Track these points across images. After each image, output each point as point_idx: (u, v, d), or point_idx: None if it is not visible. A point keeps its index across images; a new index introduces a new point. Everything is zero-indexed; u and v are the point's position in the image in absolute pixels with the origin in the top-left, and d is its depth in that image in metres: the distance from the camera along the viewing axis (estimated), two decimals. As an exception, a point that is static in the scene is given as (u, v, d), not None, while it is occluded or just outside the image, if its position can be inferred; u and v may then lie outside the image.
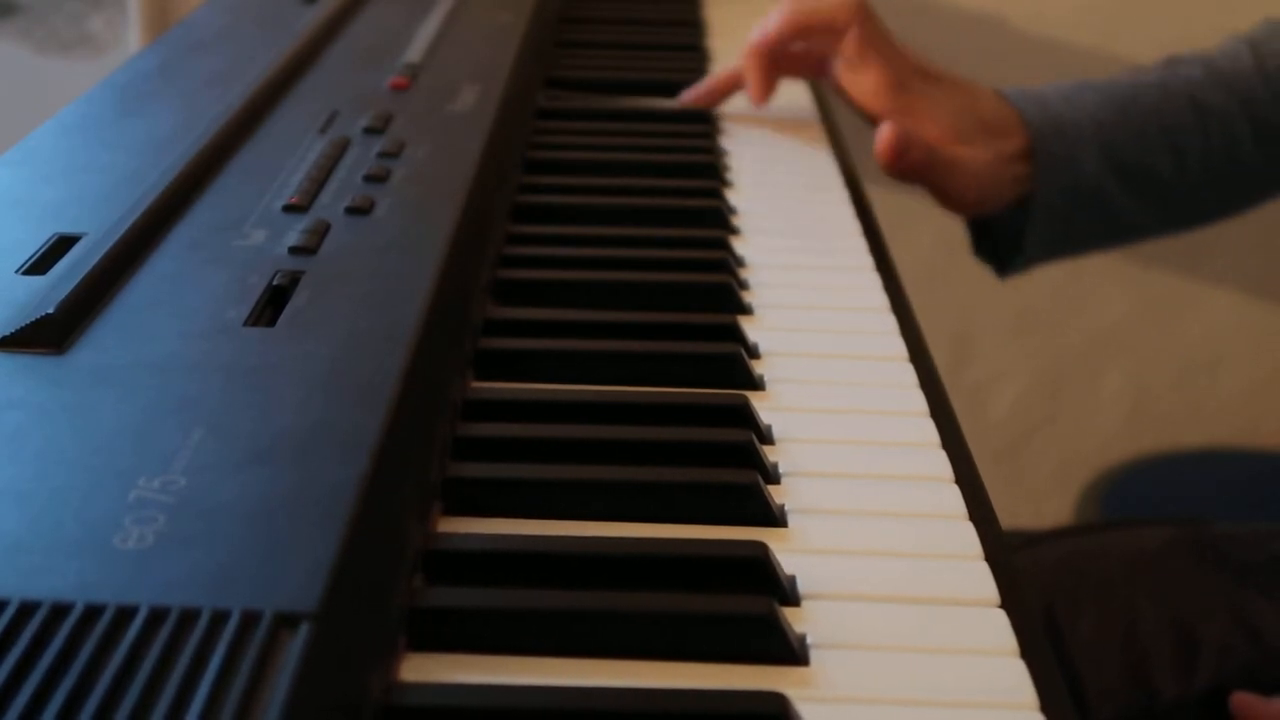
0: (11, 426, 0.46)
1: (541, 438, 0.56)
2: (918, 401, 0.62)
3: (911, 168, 0.88)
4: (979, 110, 0.92)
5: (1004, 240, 0.98)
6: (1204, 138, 0.95)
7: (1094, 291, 1.80)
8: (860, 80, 0.90)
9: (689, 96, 0.97)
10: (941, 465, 0.57)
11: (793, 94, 1.01)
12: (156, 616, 0.37)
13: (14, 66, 1.65)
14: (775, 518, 0.53)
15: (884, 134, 0.87)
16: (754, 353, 0.65)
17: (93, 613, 0.37)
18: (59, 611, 0.37)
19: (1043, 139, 0.92)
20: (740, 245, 0.77)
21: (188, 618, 0.37)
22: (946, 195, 0.92)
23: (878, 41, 0.90)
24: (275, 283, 0.58)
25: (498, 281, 0.69)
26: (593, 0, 1.27)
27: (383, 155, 0.73)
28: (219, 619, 0.37)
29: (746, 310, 0.69)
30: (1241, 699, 0.83)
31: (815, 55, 0.94)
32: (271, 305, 0.56)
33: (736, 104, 0.97)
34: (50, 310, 0.52)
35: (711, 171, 0.87)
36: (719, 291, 0.70)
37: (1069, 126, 0.93)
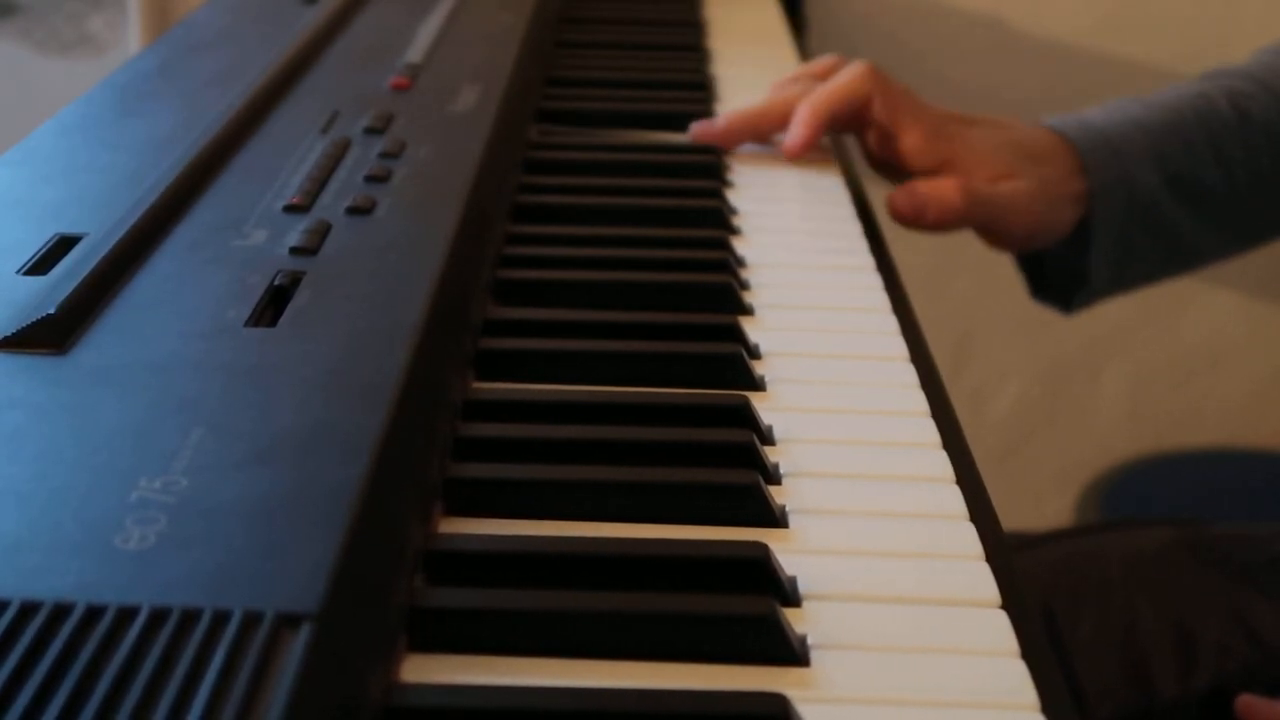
0: (12, 426, 0.46)
1: (541, 438, 0.56)
2: (918, 402, 0.62)
3: (945, 220, 0.85)
4: (1018, 140, 0.89)
5: (1064, 273, 0.94)
6: (1248, 147, 0.93)
7: (1094, 292, 1.80)
8: (898, 144, 0.87)
9: (701, 132, 0.90)
10: (942, 465, 0.57)
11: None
12: (158, 617, 0.37)
13: (14, 66, 1.65)
14: (776, 518, 0.53)
15: (892, 203, 0.84)
16: (755, 353, 0.65)
17: (94, 613, 0.37)
18: (60, 612, 0.37)
19: (1093, 154, 0.90)
20: (741, 245, 0.77)
21: (189, 618, 0.37)
22: (995, 234, 0.89)
23: (903, 101, 0.87)
24: (276, 283, 0.58)
25: (498, 281, 0.69)
26: (593, 0, 1.27)
27: (383, 155, 0.73)
28: (220, 619, 0.37)
29: (747, 310, 0.69)
30: (1246, 701, 0.83)
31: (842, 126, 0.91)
32: (272, 305, 0.56)
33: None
34: (51, 310, 0.52)
35: (712, 171, 0.87)
36: (719, 292, 0.70)
37: (1117, 139, 0.91)
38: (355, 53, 0.92)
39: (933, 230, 0.86)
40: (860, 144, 0.91)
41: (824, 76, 0.90)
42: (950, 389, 0.64)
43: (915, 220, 0.85)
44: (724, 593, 0.48)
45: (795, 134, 0.87)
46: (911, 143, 0.86)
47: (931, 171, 0.86)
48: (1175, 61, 1.69)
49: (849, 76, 0.87)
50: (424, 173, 0.71)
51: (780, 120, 0.89)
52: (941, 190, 0.84)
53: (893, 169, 0.89)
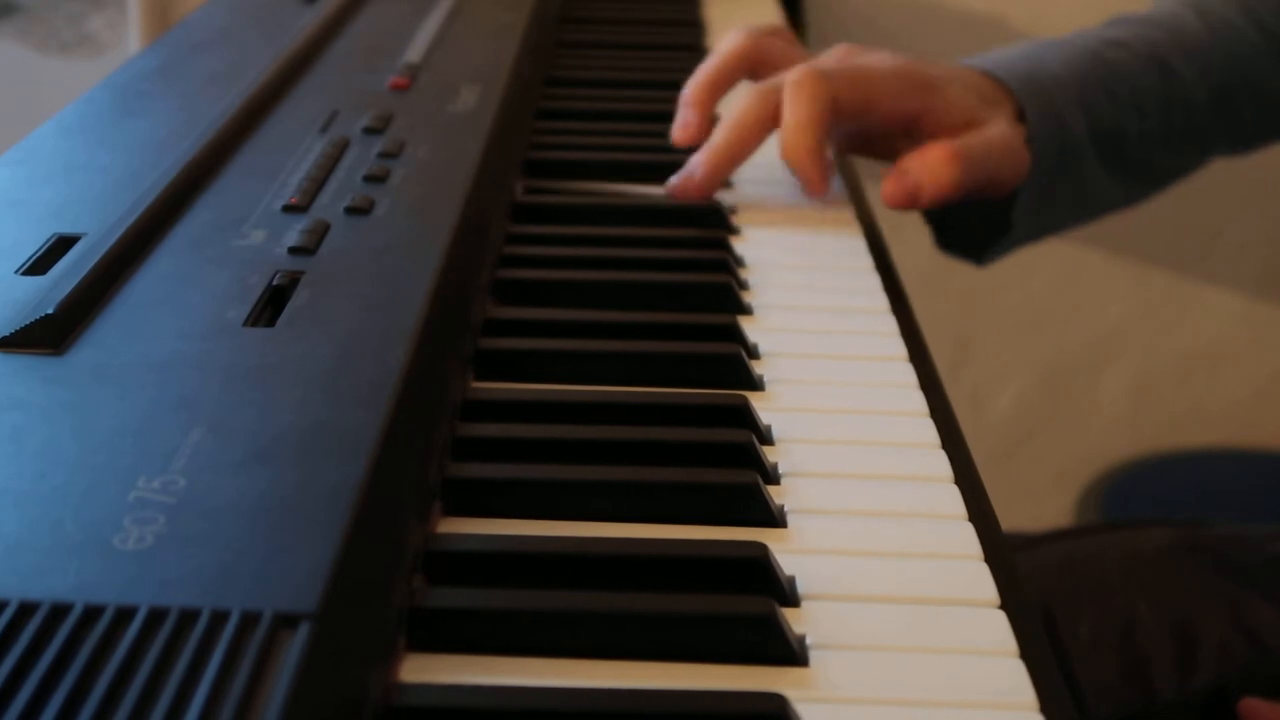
0: (11, 426, 0.46)
1: (541, 438, 0.56)
2: (918, 402, 0.62)
3: (942, 196, 0.78)
4: (971, 83, 0.83)
5: (980, 223, 0.89)
6: (1166, 101, 0.90)
7: (1094, 291, 1.80)
8: (875, 114, 0.81)
9: (680, 188, 0.81)
10: (941, 465, 0.57)
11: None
12: (156, 617, 0.37)
13: (14, 66, 1.65)
14: (775, 518, 0.53)
15: (885, 193, 0.78)
16: (754, 353, 0.65)
17: (92, 613, 0.37)
18: (58, 612, 0.37)
19: (1029, 100, 0.84)
20: (740, 245, 0.77)
21: (187, 618, 0.37)
22: (994, 182, 0.82)
23: (860, 76, 0.80)
24: (275, 283, 0.58)
25: (498, 281, 0.69)
26: (593, 0, 1.27)
27: (383, 155, 0.73)
28: (218, 619, 0.37)
29: (746, 310, 0.69)
30: (1250, 705, 0.83)
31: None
32: (271, 305, 0.56)
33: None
34: (50, 310, 0.52)
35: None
36: (719, 291, 0.70)
37: (1049, 86, 0.86)
38: (355, 53, 0.92)
39: (936, 205, 0.80)
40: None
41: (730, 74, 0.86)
42: (950, 389, 0.64)
43: (912, 205, 0.79)
44: (723, 593, 0.48)
45: (808, 188, 0.80)
46: (887, 107, 0.80)
47: (904, 130, 0.81)
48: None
49: (802, 98, 0.77)
50: (423, 173, 0.71)
51: (756, 142, 0.81)
52: (932, 165, 0.78)
53: (865, 138, 0.85)
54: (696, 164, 0.80)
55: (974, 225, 0.91)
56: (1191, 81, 0.91)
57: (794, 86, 0.78)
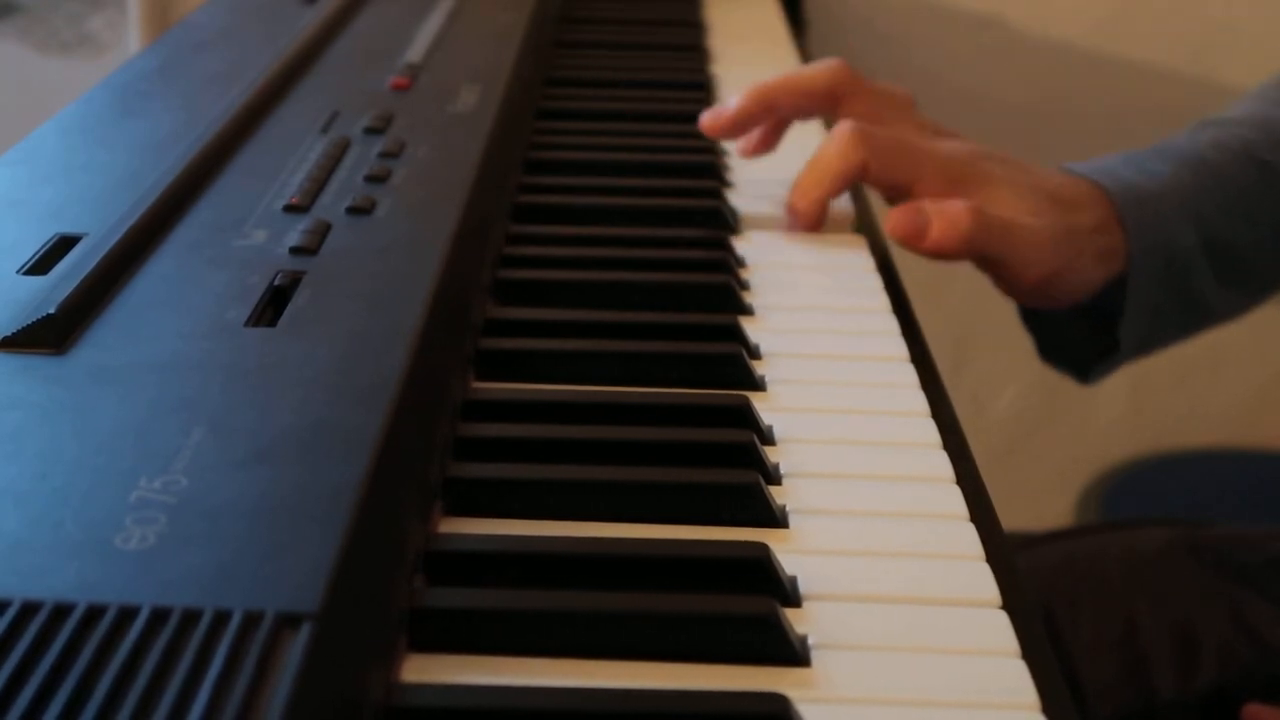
0: (12, 426, 0.46)
1: (541, 438, 0.56)
2: (918, 402, 0.62)
3: (948, 242, 0.74)
4: (1046, 184, 0.79)
5: (1084, 339, 0.86)
6: (1274, 203, 0.85)
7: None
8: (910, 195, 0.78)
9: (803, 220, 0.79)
10: (942, 465, 0.57)
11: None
12: (158, 617, 0.37)
13: (14, 66, 1.65)
14: (776, 518, 0.53)
15: (891, 220, 0.75)
16: (755, 353, 0.65)
17: (94, 613, 0.37)
18: (61, 612, 0.37)
19: (1132, 211, 0.80)
20: (741, 245, 0.77)
21: (189, 618, 0.37)
22: (1007, 273, 0.78)
23: (902, 155, 0.77)
24: (276, 283, 0.58)
25: (498, 281, 0.69)
26: (593, 0, 1.27)
27: (383, 155, 0.73)
28: (220, 619, 0.37)
29: (747, 310, 0.69)
30: (1253, 711, 0.83)
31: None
32: (272, 305, 0.56)
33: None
34: (51, 310, 0.52)
35: (712, 171, 0.87)
36: (719, 292, 0.70)
37: (1155, 197, 0.81)
38: (355, 53, 0.92)
39: (935, 255, 0.75)
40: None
41: (809, 92, 0.83)
42: (950, 389, 0.64)
43: (915, 239, 0.75)
44: (724, 593, 0.48)
45: (793, 223, 0.80)
46: (925, 192, 0.77)
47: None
48: (1175, 62, 1.70)
49: (836, 150, 0.77)
50: (424, 173, 0.71)
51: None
52: (948, 210, 0.74)
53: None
54: (800, 199, 0.79)
55: (1079, 340, 0.87)
56: None
57: (844, 136, 0.77)
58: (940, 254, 0.75)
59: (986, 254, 0.76)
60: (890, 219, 0.75)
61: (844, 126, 0.77)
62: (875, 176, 0.77)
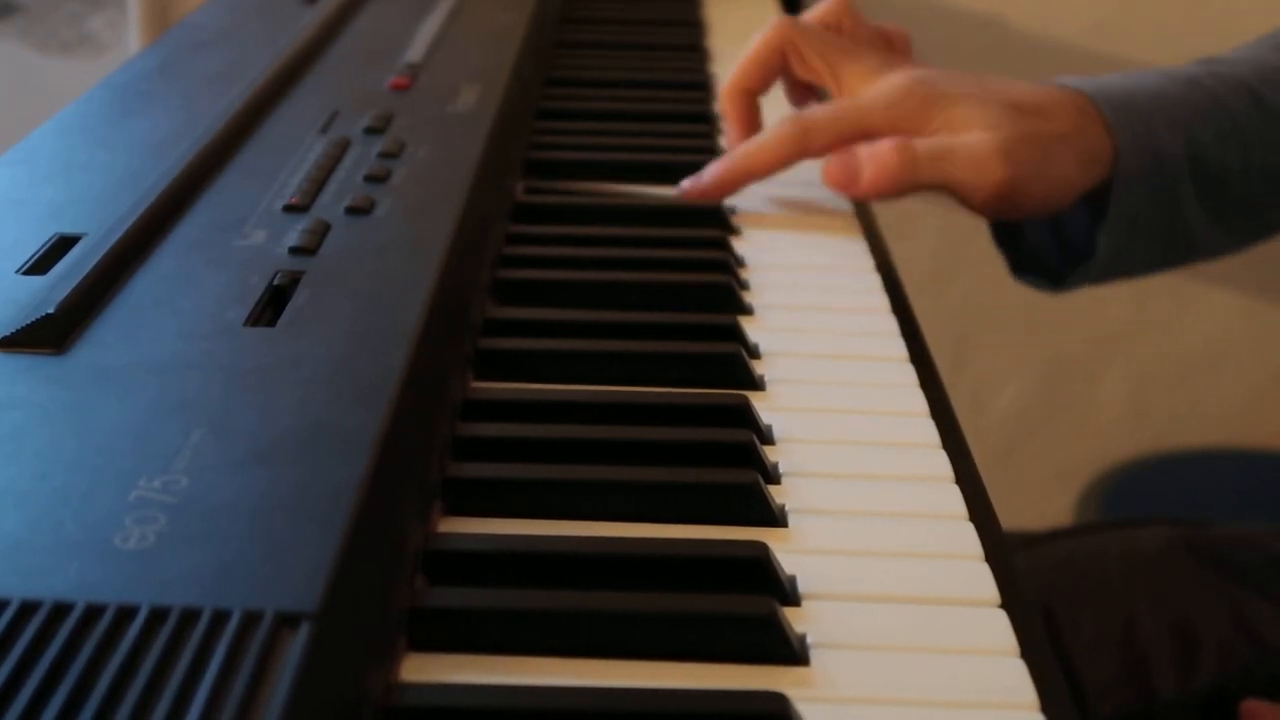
0: (12, 426, 0.46)
1: (541, 438, 0.56)
2: (918, 402, 0.62)
3: (881, 185, 0.75)
4: (999, 92, 0.78)
5: (1059, 246, 0.86)
6: (1268, 142, 0.85)
7: (1094, 291, 1.79)
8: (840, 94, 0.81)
9: (688, 191, 0.81)
10: (942, 465, 0.57)
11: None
12: (157, 616, 0.37)
13: (14, 66, 1.65)
14: (776, 518, 0.53)
15: (825, 170, 0.77)
16: (754, 353, 0.65)
17: (93, 613, 0.37)
18: (60, 611, 0.37)
19: (1119, 113, 0.79)
20: (740, 245, 0.77)
21: (188, 618, 0.37)
22: (959, 190, 0.78)
23: (837, 51, 0.80)
24: (275, 283, 0.58)
25: (498, 281, 0.69)
26: (593, 0, 1.27)
27: (383, 155, 0.73)
28: (220, 619, 0.37)
29: (747, 310, 0.69)
30: (1251, 706, 0.83)
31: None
32: (272, 305, 0.57)
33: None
34: (51, 310, 0.52)
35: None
36: (719, 291, 0.70)
37: (1144, 106, 0.80)
38: (355, 53, 0.92)
39: (871, 198, 0.77)
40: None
41: (757, 65, 0.84)
42: (950, 389, 0.64)
43: (850, 187, 0.76)
44: (724, 592, 0.48)
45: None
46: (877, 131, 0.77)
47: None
48: (1175, 62, 1.69)
49: (773, 139, 0.79)
50: (423, 173, 0.71)
51: (772, 168, 0.81)
52: (878, 151, 0.75)
53: None
54: (708, 171, 0.81)
55: (1052, 248, 0.88)
56: None
57: (779, 129, 0.78)
58: (876, 196, 0.76)
59: (925, 184, 0.77)
60: (825, 169, 0.77)
61: (783, 121, 0.79)
62: (823, 151, 0.78)
